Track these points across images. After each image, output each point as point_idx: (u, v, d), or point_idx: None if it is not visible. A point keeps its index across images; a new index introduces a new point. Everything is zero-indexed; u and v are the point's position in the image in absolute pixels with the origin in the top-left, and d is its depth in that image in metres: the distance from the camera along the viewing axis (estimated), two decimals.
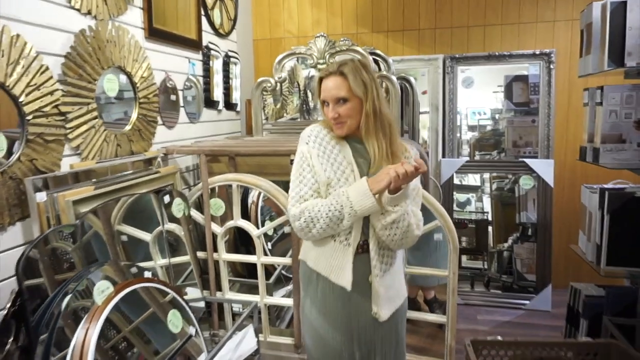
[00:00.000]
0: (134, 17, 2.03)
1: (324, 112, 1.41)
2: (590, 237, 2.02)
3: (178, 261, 2.17)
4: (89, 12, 1.73)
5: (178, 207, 2.08)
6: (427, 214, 1.89)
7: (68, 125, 1.63)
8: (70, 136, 1.64)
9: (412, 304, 2.85)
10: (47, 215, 1.49)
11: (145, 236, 1.96)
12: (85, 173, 1.70)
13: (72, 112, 1.64)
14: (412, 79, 2.91)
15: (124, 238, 1.96)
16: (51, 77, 1.54)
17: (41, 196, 1.46)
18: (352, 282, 1.35)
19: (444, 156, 3.29)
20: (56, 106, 1.57)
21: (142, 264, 1.98)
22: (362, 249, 1.36)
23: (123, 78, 1.94)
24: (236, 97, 3.16)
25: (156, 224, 1.97)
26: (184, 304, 1.85)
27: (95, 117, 1.76)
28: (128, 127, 1.98)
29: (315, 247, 1.42)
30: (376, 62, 2.87)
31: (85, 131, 1.71)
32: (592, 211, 1.99)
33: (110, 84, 1.84)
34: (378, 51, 2.88)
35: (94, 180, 1.71)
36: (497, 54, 3.15)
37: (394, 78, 2.53)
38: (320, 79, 1.41)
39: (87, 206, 1.59)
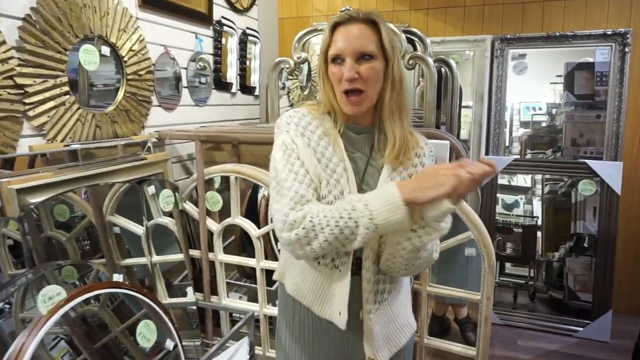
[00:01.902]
0: None
1: (329, 74, 1.01)
2: None
3: (171, 260, 1.93)
4: None
5: (166, 200, 1.82)
6: (458, 223, 1.52)
7: (28, 101, 1.39)
8: (30, 113, 1.41)
9: (441, 323, 2.48)
10: None
11: (139, 229, 1.74)
12: (50, 157, 1.47)
13: (34, 85, 1.40)
14: (452, 62, 2.50)
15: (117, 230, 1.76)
16: (3, 42, 1.30)
17: None
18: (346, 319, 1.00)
19: (487, 153, 2.85)
20: (10, 77, 1.33)
21: (134, 260, 1.76)
22: (352, 271, 1.01)
23: (106, 50, 1.69)
24: (254, 79, 2.88)
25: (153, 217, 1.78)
26: (161, 313, 1.59)
27: (67, 93, 1.52)
28: (111, 107, 1.73)
29: (294, 265, 1.09)
30: (411, 41, 2.48)
31: (52, 108, 1.47)
32: None
33: (87, 55, 1.59)
34: (414, 29, 2.48)
35: (60, 165, 1.48)
36: (558, 34, 2.66)
37: (429, 60, 2.13)
38: (335, 26, 1.00)
39: (45, 195, 1.35)
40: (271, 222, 2.23)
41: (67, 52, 1.51)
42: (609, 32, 2.57)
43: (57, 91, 1.48)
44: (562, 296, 2.86)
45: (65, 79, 1.51)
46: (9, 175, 1.28)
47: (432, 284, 1.72)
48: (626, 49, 2.54)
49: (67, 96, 1.52)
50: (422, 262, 0.99)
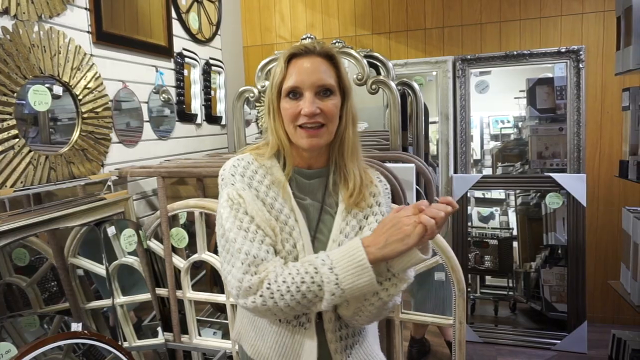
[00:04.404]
0: (75, 19, 1.74)
1: (282, 110, 0.93)
2: (637, 275, 1.59)
3: (138, 300, 1.86)
4: (6, 11, 1.44)
5: (129, 240, 1.76)
6: None
7: None
8: None
9: (420, 346, 2.45)
10: None
11: (102, 271, 1.67)
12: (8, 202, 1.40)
13: None
14: (415, 85, 2.53)
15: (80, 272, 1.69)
16: None
17: None
18: None
19: (455, 171, 2.88)
20: None
21: (99, 303, 1.69)
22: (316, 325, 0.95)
23: (59, 89, 1.64)
24: (220, 109, 2.85)
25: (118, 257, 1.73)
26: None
27: (15, 136, 1.46)
28: (66, 148, 1.67)
29: (251, 325, 1.01)
30: (374, 66, 2.52)
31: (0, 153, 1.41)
32: (639, 242, 1.56)
33: (38, 96, 1.54)
34: (376, 54, 2.52)
35: (10, 212, 1.41)
36: (515, 53, 2.74)
37: (391, 83, 2.16)
38: (290, 58, 0.94)
39: None
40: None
41: (15, 94, 1.46)
42: (563, 50, 2.66)
43: (4, 135, 1.42)
44: (540, 307, 2.87)
45: (12, 122, 1.45)
46: None
47: (405, 311, 1.69)
48: (580, 65, 2.63)
49: (16, 139, 1.46)
50: (388, 312, 0.94)
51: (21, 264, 1.48)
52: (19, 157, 1.48)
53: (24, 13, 1.50)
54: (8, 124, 1.43)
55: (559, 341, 2.66)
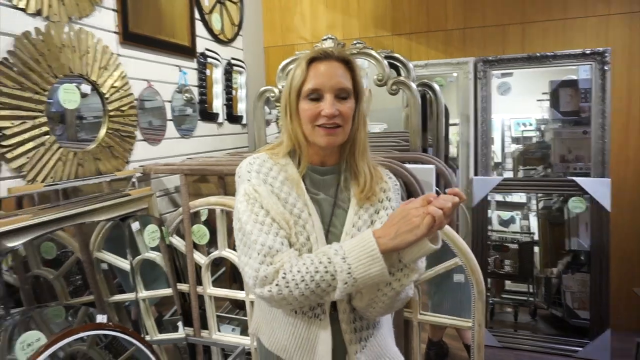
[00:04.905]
0: (103, 20, 1.79)
1: (300, 111, 0.98)
2: None
3: (159, 294, 1.90)
4: (39, 13, 1.49)
5: (152, 235, 1.80)
6: (446, 248, 1.51)
7: (6, 143, 1.39)
8: (9, 156, 1.40)
9: (438, 349, 2.43)
10: None
11: (126, 265, 1.72)
12: (29, 198, 1.45)
13: (11, 127, 1.39)
14: (435, 86, 2.52)
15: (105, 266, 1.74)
16: None
17: None
18: None
19: (475, 173, 2.85)
20: None
21: (123, 297, 1.73)
22: (331, 316, 0.98)
23: (87, 88, 1.69)
24: (241, 109, 2.89)
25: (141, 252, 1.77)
26: (148, 352, 1.55)
27: (46, 133, 1.51)
28: (93, 145, 1.72)
29: (270, 316, 1.04)
30: (394, 67, 2.51)
31: (31, 149, 1.46)
32: None
33: (67, 94, 1.59)
34: (396, 55, 2.51)
35: (40, 207, 1.46)
36: (538, 54, 2.70)
37: (412, 84, 2.16)
38: (311, 61, 0.99)
39: (24, 238, 1.33)
40: None
41: (46, 92, 1.51)
42: (587, 52, 2.61)
43: (36, 132, 1.47)
44: (562, 314, 2.82)
45: (44, 119, 1.50)
46: None
47: (423, 312, 1.68)
48: (605, 67, 2.58)
49: (47, 136, 1.52)
50: (401, 303, 0.97)
51: (49, 257, 1.52)
52: (49, 153, 1.53)
53: (55, 14, 1.55)
54: (40, 121, 1.49)
55: (580, 348, 2.61)
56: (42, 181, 1.52)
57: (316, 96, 0.96)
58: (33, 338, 1.25)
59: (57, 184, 1.55)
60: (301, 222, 0.96)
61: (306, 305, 0.96)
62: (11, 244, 1.29)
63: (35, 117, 1.47)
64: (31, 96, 1.45)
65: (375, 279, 0.85)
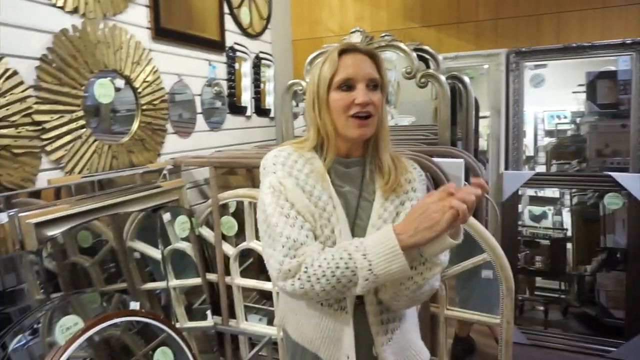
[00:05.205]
0: (136, 16, 1.84)
1: (331, 101, 0.97)
2: None
3: (189, 284, 1.95)
4: (76, 10, 1.55)
5: (182, 226, 1.85)
6: (474, 244, 1.49)
7: (45, 136, 1.45)
8: (48, 148, 1.46)
9: (464, 345, 2.41)
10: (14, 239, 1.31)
11: (157, 255, 1.77)
12: (67, 189, 1.51)
13: (50, 121, 1.45)
14: (465, 79, 2.47)
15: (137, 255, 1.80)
16: (21, 83, 1.36)
17: (1, 217, 1.28)
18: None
19: (506, 168, 2.79)
20: (28, 115, 1.39)
21: (154, 285, 1.79)
22: (357, 308, 0.99)
23: (120, 83, 1.74)
24: (269, 102, 2.91)
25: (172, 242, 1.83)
26: (178, 339, 1.60)
27: (83, 127, 1.57)
28: (126, 138, 1.78)
29: (296, 308, 1.05)
30: (423, 59, 2.48)
31: (69, 142, 1.53)
32: None
33: (102, 89, 1.65)
34: (425, 47, 2.47)
35: (77, 197, 1.52)
36: (575, 45, 2.60)
37: (441, 77, 2.13)
38: (341, 52, 0.99)
39: (62, 227, 1.39)
40: None
41: (83, 87, 1.56)
42: (628, 42, 2.49)
43: (73, 125, 1.53)
44: (595, 313, 2.74)
45: (80, 113, 1.56)
46: (27, 209, 1.32)
47: (450, 307, 1.67)
48: None
49: (83, 129, 1.58)
50: (426, 295, 0.96)
51: (85, 245, 1.58)
52: (85, 145, 1.59)
53: (91, 12, 1.60)
54: (77, 115, 1.54)
55: (614, 349, 2.53)
56: (79, 172, 1.58)
57: (348, 86, 0.97)
58: (71, 322, 1.31)
59: (93, 176, 1.61)
60: (326, 215, 0.96)
61: (331, 299, 0.96)
62: (51, 232, 1.35)
63: (72, 111, 1.53)
64: (69, 91, 1.51)
65: (396, 275, 0.85)
